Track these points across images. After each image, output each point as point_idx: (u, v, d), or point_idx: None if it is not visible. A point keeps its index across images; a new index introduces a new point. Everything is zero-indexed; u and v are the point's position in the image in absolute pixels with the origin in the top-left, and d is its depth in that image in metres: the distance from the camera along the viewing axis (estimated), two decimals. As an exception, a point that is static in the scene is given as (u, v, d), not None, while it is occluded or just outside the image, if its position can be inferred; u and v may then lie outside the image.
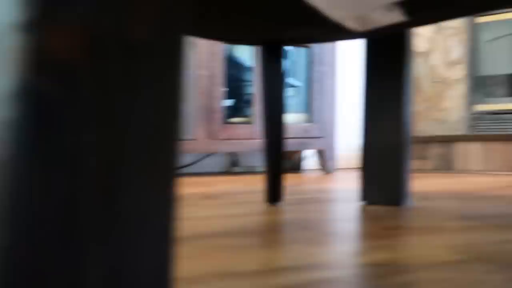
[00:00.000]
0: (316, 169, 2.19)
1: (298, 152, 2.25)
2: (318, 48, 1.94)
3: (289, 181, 1.52)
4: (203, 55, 1.69)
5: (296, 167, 2.25)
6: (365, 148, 0.87)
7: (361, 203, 0.89)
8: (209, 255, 0.49)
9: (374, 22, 0.66)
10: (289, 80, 2.04)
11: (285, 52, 2.15)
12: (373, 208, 0.83)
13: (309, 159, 2.28)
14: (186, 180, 1.57)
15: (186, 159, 1.99)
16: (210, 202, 0.93)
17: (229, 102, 1.80)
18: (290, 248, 0.52)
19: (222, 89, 1.73)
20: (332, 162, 1.96)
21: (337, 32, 0.74)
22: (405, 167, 0.85)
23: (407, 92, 0.85)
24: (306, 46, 1.93)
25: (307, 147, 1.93)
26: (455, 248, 0.52)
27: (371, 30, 0.72)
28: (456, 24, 2.18)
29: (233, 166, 2.08)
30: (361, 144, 0.87)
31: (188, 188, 1.26)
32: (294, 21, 0.68)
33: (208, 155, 2.05)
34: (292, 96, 2.05)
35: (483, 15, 2.11)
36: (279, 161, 0.86)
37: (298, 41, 0.83)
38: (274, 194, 0.87)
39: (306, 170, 2.21)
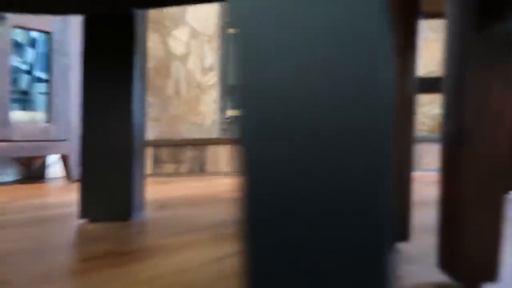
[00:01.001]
0: (62, 177, 1.90)
1: (39, 158, 1.92)
2: (60, 35, 1.66)
3: (19, 193, 1.22)
4: None
5: (37, 176, 1.91)
6: (85, 155, 0.70)
7: (82, 221, 0.71)
8: None
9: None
10: (36, 72, 1.71)
11: (34, 40, 1.80)
12: (93, 227, 0.66)
13: (55, 165, 1.97)
14: None
15: None
16: None
17: None
18: None
19: None
20: (79, 169, 1.71)
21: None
22: (135, 176, 0.71)
23: (138, 88, 0.71)
24: (45, 31, 1.63)
25: (48, 151, 1.63)
26: (161, 282, 0.39)
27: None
28: (210, 32, 2.25)
29: None
30: (80, 151, 0.69)
31: None
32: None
33: None
34: (35, 92, 1.72)
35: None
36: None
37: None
38: None
39: (51, 179, 1.89)
